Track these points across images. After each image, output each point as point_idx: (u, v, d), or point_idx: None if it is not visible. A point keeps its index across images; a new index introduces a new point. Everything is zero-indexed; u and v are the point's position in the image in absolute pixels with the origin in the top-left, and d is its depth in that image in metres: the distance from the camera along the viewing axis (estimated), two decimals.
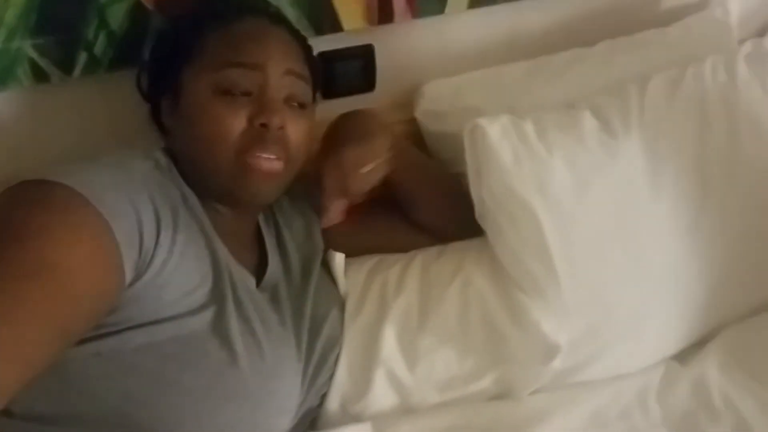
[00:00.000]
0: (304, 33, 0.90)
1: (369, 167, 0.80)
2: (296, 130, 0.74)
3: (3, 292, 0.54)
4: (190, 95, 0.72)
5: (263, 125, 0.71)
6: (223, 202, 0.76)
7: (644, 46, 1.02)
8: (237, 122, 0.71)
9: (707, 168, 0.78)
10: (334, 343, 0.81)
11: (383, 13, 0.93)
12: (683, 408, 0.74)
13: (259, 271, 0.81)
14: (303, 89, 0.76)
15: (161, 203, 0.66)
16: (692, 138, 0.80)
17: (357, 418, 0.78)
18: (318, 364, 0.79)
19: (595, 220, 0.75)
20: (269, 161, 0.72)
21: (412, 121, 1.02)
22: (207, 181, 0.74)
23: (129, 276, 0.61)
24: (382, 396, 0.78)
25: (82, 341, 0.63)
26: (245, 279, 0.76)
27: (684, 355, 0.80)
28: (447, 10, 0.95)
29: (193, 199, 0.73)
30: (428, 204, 0.91)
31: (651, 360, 0.79)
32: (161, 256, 0.64)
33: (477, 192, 0.81)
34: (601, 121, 0.81)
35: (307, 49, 0.81)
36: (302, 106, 0.76)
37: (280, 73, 0.72)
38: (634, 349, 0.78)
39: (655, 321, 0.77)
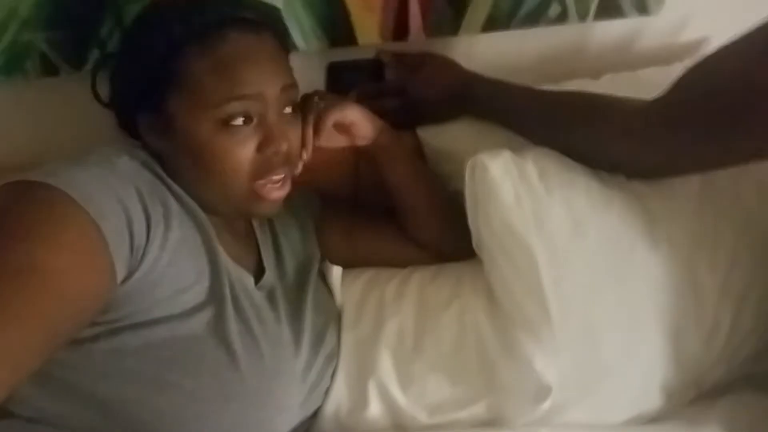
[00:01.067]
0: (318, 43, 0.90)
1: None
2: (295, 138, 0.75)
3: None
4: (190, 130, 0.69)
5: (273, 153, 0.71)
6: (216, 214, 0.75)
7: (646, 83, 1.04)
8: (245, 153, 0.70)
9: (704, 220, 0.81)
10: (333, 356, 0.82)
11: (398, 31, 0.93)
12: None
13: (256, 271, 0.81)
14: (295, 94, 0.75)
15: (150, 200, 0.66)
16: (692, 195, 0.83)
17: None
18: (319, 373, 0.80)
19: (588, 263, 0.77)
20: (280, 187, 0.73)
21: (415, 134, 1.04)
22: (211, 202, 0.73)
23: (120, 274, 0.61)
24: (376, 414, 0.79)
25: (80, 343, 0.63)
26: (243, 278, 0.76)
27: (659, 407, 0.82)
28: (461, 32, 0.97)
29: (186, 198, 0.72)
30: (426, 219, 0.91)
31: (630, 406, 0.81)
32: (153, 253, 0.64)
33: (474, 224, 0.82)
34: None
35: (283, 34, 0.77)
36: (294, 109, 0.75)
37: (278, 93, 0.71)
38: (623, 390, 0.80)
39: (641, 366, 0.79)
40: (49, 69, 0.82)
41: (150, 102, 0.71)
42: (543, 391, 0.73)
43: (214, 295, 0.69)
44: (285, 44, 0.76)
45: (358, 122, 0.84)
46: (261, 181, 0.72)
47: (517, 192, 0.77)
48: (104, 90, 0.76)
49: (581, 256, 0.77)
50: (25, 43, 0.80)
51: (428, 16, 0.93)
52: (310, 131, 0.80)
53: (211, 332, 0.68)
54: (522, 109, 0.89)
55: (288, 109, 0.74)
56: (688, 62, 1.07)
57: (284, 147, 0.71)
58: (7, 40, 0.79)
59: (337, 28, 0.90)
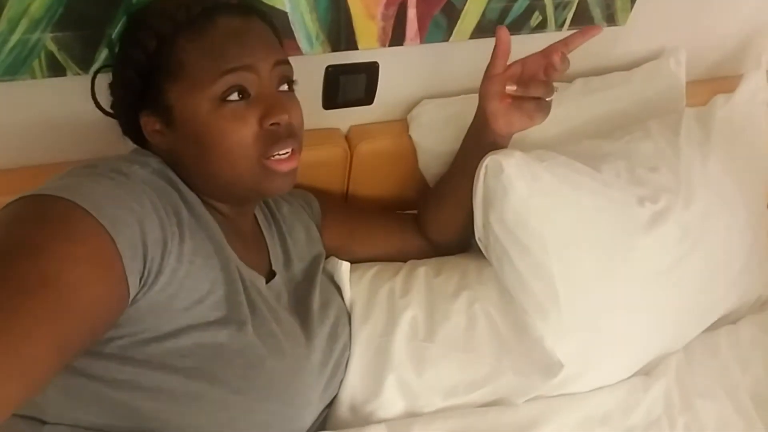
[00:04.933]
0: (321, 47, 0.93)
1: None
2: (296, 113, 0.75)
3: (2, 309, 0.52)
4: (189, 114, 0.70)
5: (273, 124, 0.71)
6: (231, 201, 0.77)
7: (612, 86, 1.15)
8: (248, 128, 0.70)
9: (690, 222, 0.91)
10: (346, 347, 0.86)
11: (395, 37, 0.98)
12: (651, 414, 0.88)
13: (266, 272, 0.82)
14: (289, 71, 0.76)
15: (164, 211, 0.66)
16: (677, 195, 0.92)
17: (366, 420, 0.84)
18: (335, 365, 0.83)
19: (593, 254, 0.85)
20: (288, 159, 0.73)
21: (407, 136, 1.09)
22: (224, 187, 0.74)
23: (133, 287, 0.61)
24: (391, 400, 0.84)
25: (109, 357, 0.63)
26: (255, 280, 0.77)
27: (649, 368, 0.94)
28: (451, 38, 1.02)
29: (198, 205, 0.73)
30: (458, 217, 0.95)
31: (625, 374, 0.91)
32: (171, 265, 0.64)
33: (483, 219, 0.88)
34: (597, 169, 0.91)
35: (273, 24, 0.78)
36: (290, 85, 0.76)
37: (270, 67, 0.72)
38: (614, 366, 0.89)
39: (631, 342, 0.88)
40: (56, 69, 0.81)
41: (148, 99, 0.72)
42: (554, 368, 0.81)
43: (231, 303, 0.70)
44: (273, 28, 0.77)
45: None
46: (269, 155, 0.72)
47: (530, 189, 0.83)
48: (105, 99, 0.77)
49: (587, 247, 0.84)
50: (33, 43, 0.78)
51: (423, 24, 0.98)
52: None
53: (234, 338, 0.69)
54: None
55: (284, 87, 0.74)
56: (647, 66, 1.19)
57: (284, 117, 0.72)
58: (15, 40, 0.77)
59: (339, 33, 0.93)
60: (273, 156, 0.72)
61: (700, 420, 0.89)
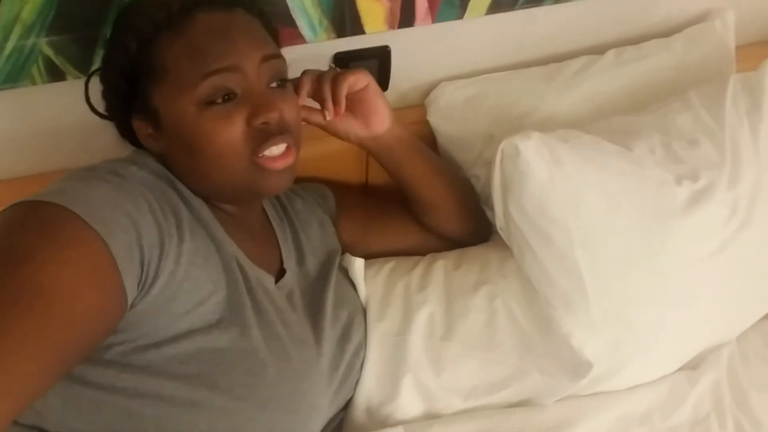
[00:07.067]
0: (325, 33, 0.89)
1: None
2: (289, 109, 0.72)
3: None
4: (175, 118, 0.68)
5: (263, 123, 0.68)
6: (230, 202, 0.75)
7: (649, 55, 1.05)
8: (235, 129, 0.67)
9: (737, 200, 0.83)
10: (360, 348, 0.83)
11: (405, 18, 0.92)
12: (698, 411, 0.80)
13: (277, 270, 0.80)
14: (280, 66, 0.72)
15: (162, 212, 0.64)
16: (721, 170, 0.84)
17: (383, 423, 0.80)
18: (347, 367, 0.80)
19: (622, 241, 0.78)
20: (282, 156, 0.70)
21: (426, 122, 1.04)
22: (219, 189, 0.72)
23: (131, 292, 0.59)
24: (409, 402, 0.80)
25: (107, 364, 0.62)
26: (262, 279, 0.74)
27: (697, 361, 0.86)
28: (466, 15, 0.95)
29: (198, 203, 0.71)
30: (445, 211, 0.92)
31: (667, 370, 0.84)
32: (168, 267, 0.62)
33: (503, 207, 0.82)
34: (628, 147, 0.84)
35: (263, 14, 0.74)
36: (283, 81, 0.73)
37: (257, 64, 0.68)
38: (652, 362, 0.82)
39: (671, 337, 0.81)
40: (55, 73, 0.80)
41: (136, 104, 0.70)
42: (582, 368, 0.75)
43: (234, 304, 0.68)
44: (263, 19, 0.73)
45: (372, 88, 0.82)
46: (261, 153, 0.69)
47: (551, 173, 0.77)
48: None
49: (616, 233, 0.77)
50: (29, 49, 0.77)
51: (434, 2, 0.92)
52: (327, 87, 0.78)
53: (236, 342, 0.67)
54: None
55: (274, 84, 0.71)
56: (690, 31, 1.09)
57: (274, 116, 0.69)
58: (11, 47, 0.76)
59: (344, 17, 0.89)
60: (265, 154, 0.69)
61: (756, 415, 0.80)
